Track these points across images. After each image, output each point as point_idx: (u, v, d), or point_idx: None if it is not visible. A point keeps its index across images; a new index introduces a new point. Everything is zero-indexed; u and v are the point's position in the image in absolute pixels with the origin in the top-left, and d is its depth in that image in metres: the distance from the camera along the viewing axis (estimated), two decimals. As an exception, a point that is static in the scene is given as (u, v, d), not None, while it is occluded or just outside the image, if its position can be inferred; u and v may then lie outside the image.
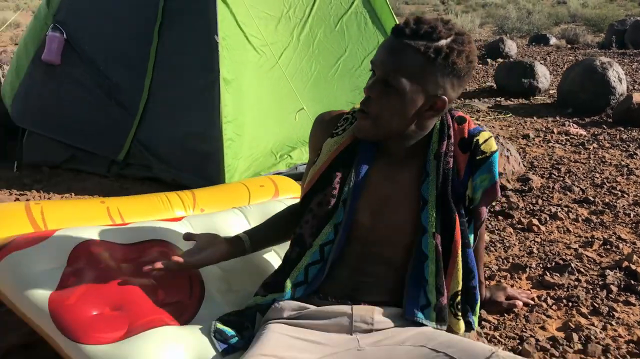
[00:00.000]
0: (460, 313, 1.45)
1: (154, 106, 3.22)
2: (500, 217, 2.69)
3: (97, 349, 1.37)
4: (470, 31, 11.60)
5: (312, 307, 1.42)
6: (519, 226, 2.60)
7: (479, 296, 1.49)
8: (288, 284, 1.44)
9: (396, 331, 1.39)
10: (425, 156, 1.42)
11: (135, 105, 3.24)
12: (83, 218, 1.83)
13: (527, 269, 2.18)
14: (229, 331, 1.46)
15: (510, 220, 2.66)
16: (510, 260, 2.27)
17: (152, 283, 1.60)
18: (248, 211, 2.03)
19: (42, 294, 1.49)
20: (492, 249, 2.36)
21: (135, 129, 3.23)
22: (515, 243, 2.42)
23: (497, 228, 2.57)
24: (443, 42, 1.29)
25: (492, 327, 1.83)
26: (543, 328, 1.82)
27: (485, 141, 1.41)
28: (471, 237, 1.45)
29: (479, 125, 1.47)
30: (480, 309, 1.84)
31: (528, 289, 2.06)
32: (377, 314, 1.39)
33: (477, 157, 1.40)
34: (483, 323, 1.84)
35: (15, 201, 2.94)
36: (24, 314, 1.50)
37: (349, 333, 1.37)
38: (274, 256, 1.85)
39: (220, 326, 1.47)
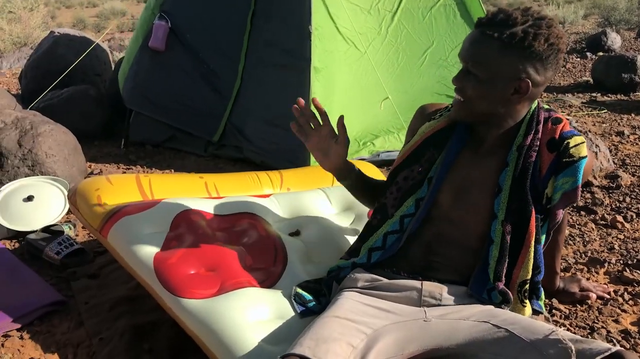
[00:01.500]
0: (526, 301, 1.50)
1: (246, 91, 3.44)
2: (582, 213, 2.66)
3: (193, 302, 1.56)
4: (572, 23, 11.05)
5: (385, 280, 1.53)
6: (602, 222, 2.55)
7: (542, 291, 1.55)
8: (365, 246, 1.57)
9: (462, 307, 1.47)
10: (510, 147, 1.50)
11: (230, 90, 3.47)
12: (184, 190, 2.05)
13: (606, 264, 2.16)
14: (307, 295, 1.61)
15: (592, 216, 2.62)
16: (589, 254, 2.25)
17: (242, 250, 1.78)
18: (330, 192, 2.17)
19: (148, 254, 1.70)
20: (570, 242, 2.36)
21: (229, 112, 3.46)
22: (595, 238, 2.39)
23: (578, 223, 2.55)
24: (518, 27, 1.37)
25: (563, 316, 1.85)
26: (616, 321, 1.82)
27: (576, 145, 1.45)
28: (543, 237, 1.50)
29: (574, 129, 1.50)
30: (552, 299, 1.90)
31: (604, 284, 2.05)
32: (445, 291, 1.48)
33: (564, 159, 1.44)
34: (554, 311, 1.87)
35: (122, 174, 3.25)
36: (133, 269, 1.72)
37: (417, 306, 1.47)
38: (352, 234, 1.97)
39: (300, 290, 1.62)
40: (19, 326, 1.83)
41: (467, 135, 1.54)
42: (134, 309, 1.91)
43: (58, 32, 4.92)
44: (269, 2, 3.40)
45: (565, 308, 1.89)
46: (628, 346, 1.70)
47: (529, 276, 1.48)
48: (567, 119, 1.53)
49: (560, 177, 1.45)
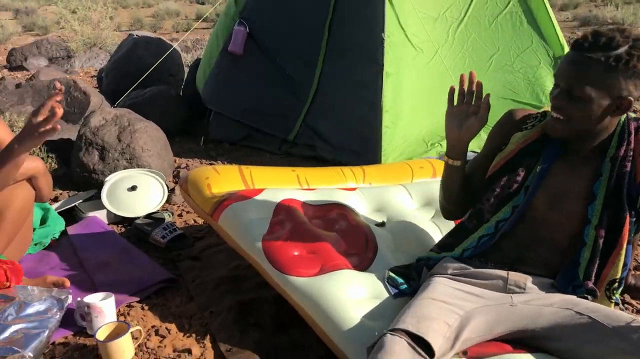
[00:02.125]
0: (613, 298, 1.63)
1: (322, 94, 3.66)
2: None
3: (298, 280, 1.77)
4: (631, 24, 10.86)
5: (472, 269, 1.69)
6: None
7: (622, 284, 1.67)
8: (460, 247, 1.73)
9: (545, 294, 1.62)
10: (603, 158, 1.61)
11: (307, 93, 3.70)
12: (279, 181, 2.29)
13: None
14: (399, 279, 1.81)
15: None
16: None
17: (336, 236, 1.99)
18: (411, 187, 2.35)
19: (256, 236, 1.93)
20: None
21: (305, 113, 3.69)
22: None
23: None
24: (622, 49, 1.47)
25: (635, 310, 1.98)
26: (686, 317, 1.94)
27: None
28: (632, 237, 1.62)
29: None
30: (623, 295, 2.03)
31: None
32: (529, 281, 1.62)
33: None
34: (626, 305, 2.00)
35: (204, 169, 3.52)
36: (243, 250, 1.96)
37: (503, 293, 1.63)
38: (434, 228, 2.15)
39: (392, 274, 1.82)
40: (138, 298, 2.09)
41: (561, 146, 1.65)
42: (236, 288, 2.14)
43: (136, 35, 5.27)
44: (345, 11, 3.60)
45: (637, 303, 2.02)
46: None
47: (619, 275, 1.61)
48: None
49: None
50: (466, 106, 1.69)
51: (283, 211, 2.05)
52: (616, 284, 1.61)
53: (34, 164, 2.06)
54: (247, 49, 3.91)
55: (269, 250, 1.88)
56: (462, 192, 1.79)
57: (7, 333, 1.77)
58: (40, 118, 1.76)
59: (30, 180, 2.08)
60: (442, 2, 3.74)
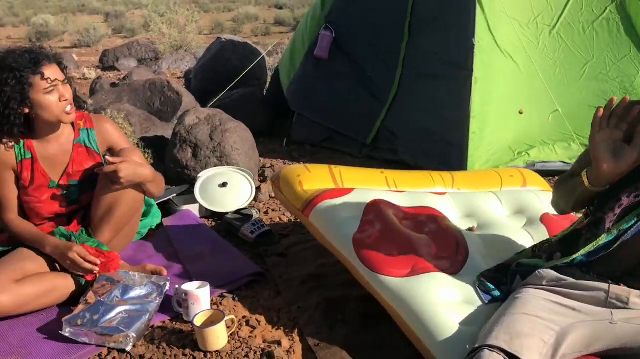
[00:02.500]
0: None
1: (403, 97, 3.66)
2: None
3: (390, 279, 1.80)
4: None
5: (570, 279, 1.62)
6: None
7: None
8: (571, 257, 1.63)
9: None
10: None
11: (386, 96, 3.72)
12: (368, 182, 2.33)
13: None
14: (490, 285, 1.79)
15: None
16: None
17: (427, 239, 1.99)
18: (501, 194, 2.32)
19: (347, 234, 1.98)
20: None
21: (384, 116, 3.71)
22: None
23: None
24: None
25: None
26: None
27: None
28: None
29: None
30: None
31: None
32: (633, 296, 1.54)
33: None
34: None
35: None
36: (333, 246, 2.00)
37: (602, 307, 1.56)
38: (526, 236, 2.11)
39: (483, 279, 1.81)
40: (230, 289, 2.18)
41: None
42: (323, 285, 2.19)
43: (224, 39, 5.47)
44: (426, 14, 3.59)
45: None
46: None
47: None
48: None
49: None
50: (615, 132, 1.53)
51: (373, 210, 2.08)
52: None
53: (144, 172, 2.15)
54: (331, 53, 3.97)
55: (360, 248, 1.91)
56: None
57: (113, 314, 1.89)
58: (85, 266, 2.03)
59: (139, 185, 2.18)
60: (534, 7, 3.65)
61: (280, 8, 26.27)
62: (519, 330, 1.45)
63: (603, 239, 1.58)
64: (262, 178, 3.40)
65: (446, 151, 3.33)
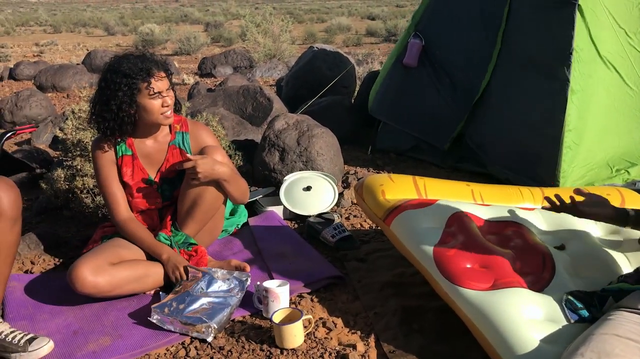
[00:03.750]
0: None
1: (490, 106, 3.56)
2: None
3: (470, 292, 1.76)
4: None
5: None
6: None
7: None
8: None
9: None
10: None
11: (468, 103, 3.64)
12: (453, 194, 2.28)
13: None
14: (578, 303, 1.71)
15: None
16: None
17: (511, 254, 1.93)
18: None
19: (428, 245, 1.95)
20: None
21: (463, 124, 3.63)
22: None
23: None
24: None
25: None
26: None
27: None
28: None
29: None
30: None
31: None
32: None
33: None
34: None
35: (372, 177, 3.62)
36: (413, 256, 1.98)
37: None
38: (622, 258, 1.99)
39: (571, 298, 1.73)
40: (309, 290, 2.21)
41: None
42: (401, 293, 2.18)
43: (317, 48, 5.58)
44: (522, 21, 3.48)
45: None
46: None
47: None
48: None
49: None
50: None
51: (456, 222, 2.05)
52: None
53: (221, 169, 2.24)
54: (420, 61, 3.95)
55: (440, 259, 1.89)
56: None
57: (197, 304, 1.99)
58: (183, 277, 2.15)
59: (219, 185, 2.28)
60: (640, 16, 3.44)
61: (373, 19, 26.39)
62: (609, 350, 1.39)
63: None
64: (346, 184, 3.43)
65: (537, 166, 3.20)
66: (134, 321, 2.00)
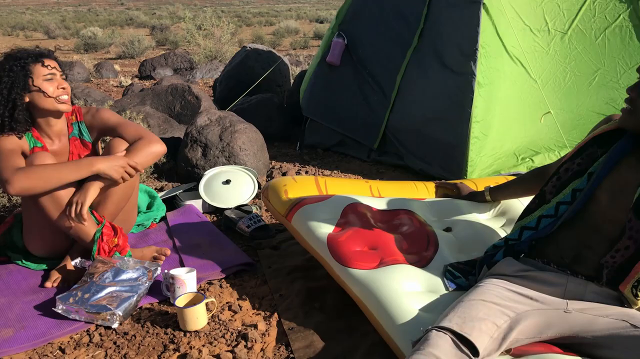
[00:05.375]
0: (639, 294, 1.56)
1: (405, 102, 3.71)
2: None
3: (358, 272, 1.87)
4: None
5: (533, 271, 1.68)
6: None
7: None
8: (519, 224, 1.77)
9: (602, 305, 1.59)
10: None
11: (388, 102, 3.78)
12: (352, 190, 2.42)
13: None
14: (456, 273, 1.85)
15: None
16: None
17: (399, 237, 2.07)
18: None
19: (322, 233, 2.07)
20: None
21: (386, 121, 3.77)
22: None
23: None
24: None
25: None
26: None
27: None
28: None
29: None
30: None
31: None
32: (588, 290, 1.61)
33: None
34: None
35: (297, 171, 3.72)
36: (309, 245, 2.10)
37: (561, 298, 1.61)
38: (502, 234, 2.15)
39: (450, 268, 1.87)
40: (219, 277, 2.29)
41: (631, 143, 1.64)
42: (307, 276, 2.28)
43: (249, 47, 5.65)
44: (437, 21, 3.65)
45: None
46: None
47: None
48: None
49: None
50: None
51: (351, 212, 2.18)
52: None
53: (136, 162, 2.27)
54: (343, 60, 4.07)
55: (332, 245, 2.00)
56: (526, 190, 2.14)
57: (103, 293, 2.03)
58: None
59: None
60: (546, 13, 3.66)
61: (321, 22, 26.61)
62: (474, 315, 1.50)
63: (544, 209, 1.72)
64: (270, 178, 3.52)
65: (447, 156, 3.37)
66: (39, 313, 2.03)
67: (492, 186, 2.34)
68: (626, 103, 1.62)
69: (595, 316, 1.56)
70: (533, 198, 1.81)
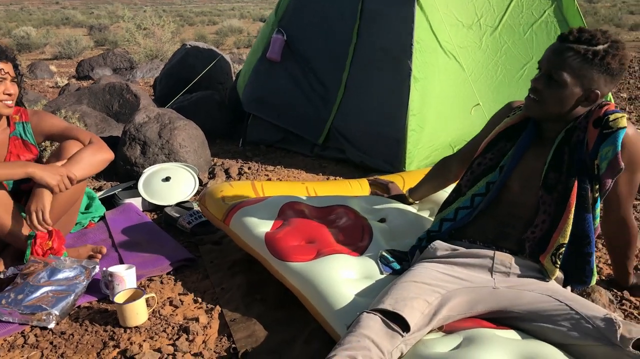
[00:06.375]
0: (559, 263, 1.69)
1: (349, 98, 3.79)
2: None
3: (296, 265, 1.91)
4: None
5: (462, 249, 1.79)
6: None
7: (593, 266, 1.73)
8: (439, 216, 1.88)
9: (528, 280, 1.71)
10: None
11: (334, 97, 3.84)
12: (289, 192, 2.48)
13: (686, 267, 2.25)
14: (390, 257, 1.92)
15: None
16: (670, 258, 2.34)
17: (336, 231, 2.13)
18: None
19: (260, 232, 2.10)
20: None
21: (333, 117, 3.83)
22: (680, 245, 2.46)
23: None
24: (600, 46, 1.63)
25: (633, 306, 1.98)
26: (685, 314, 1.93)
27: (616, 119, 1.66)
28: (598, 209, 1.71)
29: (617, 109, 1.71)
30: (623, 291, 2.05)
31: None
32: (513, 261, 1.73)
33: (605, 131, 1.66)
34: (624, 301, 2.01)
35: (239, 168, 3.72)
36: (248, 245, 2.13)
37: (489, 272, 1.72)
38: (430, 223, 2.23)
39: (385, 254, 1.94)
40: (159, 273, 2.27)
41: (535, 131, 1.80)
42: (249, 269, 2.29)
43: (189, 45, 5.59)
44: (373, 16, 3.73)
45: (635, 299, 2.02)
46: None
47: (565, 241, 1.68)
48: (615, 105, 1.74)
49: (603, 147, 1.65)
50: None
51: (288, 210, 2.24)
52: (562, 251, 1.68)
53: (75, 173, 2.22)
54: (284, 56, 4.10)
55: (270, 242, 2.04)
56: (441, 181, 2.29)
57: (38, 293, 1.98)
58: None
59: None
60: (477, 9, 3.80)
61: (265, 21, 26.52)
62: (405, 295, 1.57)
63: (460, 201, 1.85)
64: (212, 175, 3.50)
65: (387, 149, 3.45)
66: (-29, 317, 1.96)
67: (411, 188, 2.44)
68: (531, 93, 1.75)
69: (521, 290, 1.66)
70: (451, 192, 1.94)
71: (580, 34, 1.65)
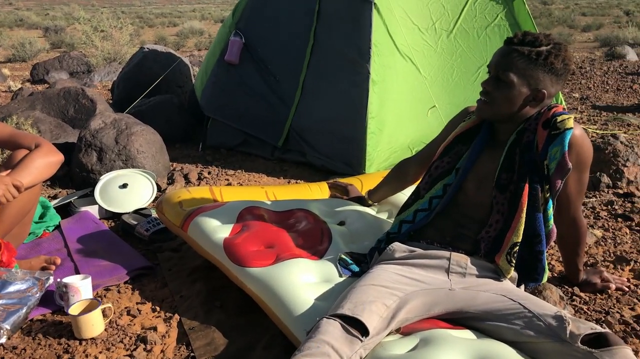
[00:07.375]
0: (514, 262, 1.75)
1: (307, 101, 3.80)
2: (619, 219, 2.82)
3: (254, 270, 1.91)
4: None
5: (419, 250, 1.83)
6: (637, 228, 2.71)
7: (545, 264, 1.79)
8: (398, 218, 1.93)
9: (483, 281, 1.75)
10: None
11: (291, 100, 3.85)
12: (248, 196, 2.48)
13: (632, 263, 2.33)
14: (349, 260, 1.94)
15: (629, 222, 2.77)
16: (618, 254, 2.43)
17: (295, 235, 2.13)
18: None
19: (219, 238, 2.09)
20: (602, 244, 2.54)
21: (291, 119, 3.84)
22: (627, 241, 2.56)
23: (613, 227, 2.71)
24: (543, 47, 1.72)
25: (583, 302, 2.05)
26: (632, 309, 2.00)
27: (563, 120, 1.72)
28: (551, 210, 1.76)
29: (565, 110, 1.78)
30: (573, 287, 2.12)
31: (627, 279, 2.22)
32: (469, 262, 1.78)
33: (553, 132, 1.72)
34: (574, 297, 2.07)
35: (199, 172, 3.68)
36: (207, 252, 2.11)
37: (446, 273, 1.76)
38: (388, 225, 2.26)
39: (344, 256, 1.96)
40: (116, 283, 2.23)
41: (489, 134, 1.86)
42: (208, 276, 2.28)
43: (147, 48, 5.51)
44: (330, 19, 3.75)
45: (585, 295, 2.09)
46: (638, 328, 1.89)
47: (518, 240, 1.73)
48: (564, 107, 1.82)
49: (552, 148, 1.71)
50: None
51: (247, 215, 2.23)
52: (516, 249, 1.74)
53: (21, 182, 2.10)
54: (242, 58, 4.09)
55: (229, 248, 2.02)
56: (399, 184, 2.34)
57: (-12, 308, 1.92)
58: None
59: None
60: (432, 13, 3.87)
61: (226, 22, 26.28)
62: (364, 299, 1.58)
63: (419, 204, 1.91)
64: (171, 181, 3.46)
65: (347, 151, 3.48)
66: None
67: (370, 190, 2.47)
68: (482, 96, 1.81)
69: (477, 291, 1.70)
70: (410, 194, 1.99)
71: (524, 37, 1.74)
